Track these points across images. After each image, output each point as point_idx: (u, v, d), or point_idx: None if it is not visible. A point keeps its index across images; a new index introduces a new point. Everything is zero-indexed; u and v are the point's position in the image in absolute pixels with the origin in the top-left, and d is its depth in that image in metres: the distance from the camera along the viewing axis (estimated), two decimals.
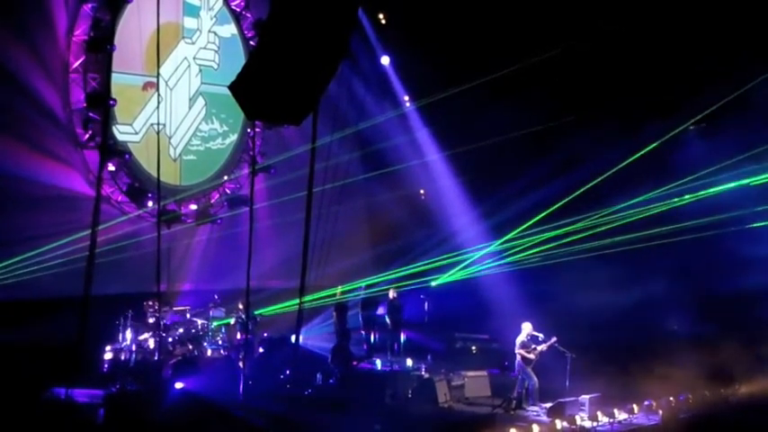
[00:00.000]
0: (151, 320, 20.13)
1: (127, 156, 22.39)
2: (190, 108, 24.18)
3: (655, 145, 23.49)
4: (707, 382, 20.88)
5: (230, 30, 25.10)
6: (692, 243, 22.51)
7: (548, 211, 23.99)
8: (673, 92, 23.58)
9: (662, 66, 23.63)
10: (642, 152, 23.45)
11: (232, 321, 22.15)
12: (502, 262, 24.88)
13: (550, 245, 23.85)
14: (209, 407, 17.53)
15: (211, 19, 24.59)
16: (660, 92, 23.73)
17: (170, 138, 23.54)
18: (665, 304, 23.32)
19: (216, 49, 24.67)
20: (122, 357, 19.77)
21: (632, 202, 23.48)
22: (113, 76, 20.94)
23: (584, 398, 19.28)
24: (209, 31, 24.57)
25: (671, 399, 20.02)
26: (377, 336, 24.60)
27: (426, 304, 25.52)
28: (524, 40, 23.66)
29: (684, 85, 23.35)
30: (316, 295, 23.04)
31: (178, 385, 18.77)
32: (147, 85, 22.81)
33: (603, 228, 23.57)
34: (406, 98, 26.84)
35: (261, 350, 22.53)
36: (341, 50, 10.44)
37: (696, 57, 23.14)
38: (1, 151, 19.99)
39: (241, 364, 20.48)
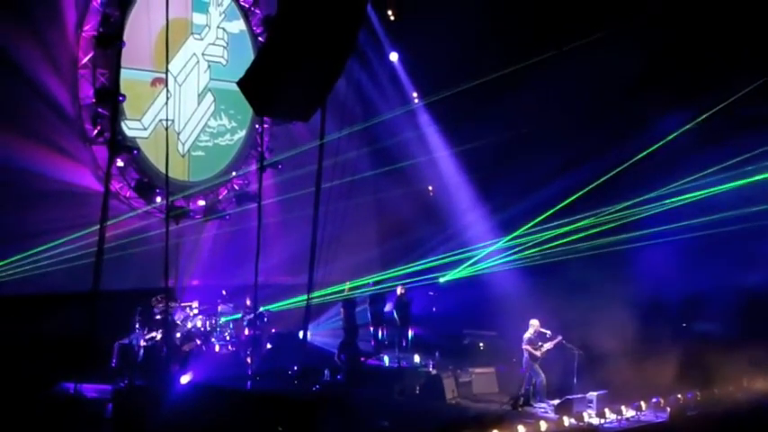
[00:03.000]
0: (159, 316, 20.15)
1: (135, 151, 22.41)
2: (198, 104, 24.21)
3: (668, 139, 23.42)
4: (715, 380, 20.86)
5: (239, 26, 25.12)
6: (703, 239, 22.45)
7: (556, 208, 23.93)
8: (681, 86, 23.52)
9: (670, 59, 23.60)
10: (654, 147, 23.37)
11: (240, 317, 22.19)
12: (510, 259, 24.84)
13: (559, 242, 23.81)
14: (218, 391, 17.58)
15: (220, 15, 24.60)
16: (670, 86, 23.68)
17: (178, 134, 23.59)
18: (673, 301, 23.24)
19: (225, 45, 24.68)
20: (130, 352, 19.82)
21: (642, 198, 23.41)
22: (122, 71, 20.93)
23: (592, 395, 19.27)
24: (218, 27, 24.58)
25: (679, 396, 20.01)
26: (385, 332, 24.61)
27: (434, 301, 25.55)
28: (534, 37, 23.62)
29: (693, 80, 23.31)
30: (323, 291, 23.06)
31: (184, 379, 18.83)
32: (155, 81, 22.83)
33: (612, 225, 23.51)
34: (415, 95, 26.82)
35: (269, 346, 22.56)
36: (349, 47, 10.45)
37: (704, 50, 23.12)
38: (10, 146, 20.01)
39: (249, 359, 20.53)
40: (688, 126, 23.14)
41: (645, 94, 23.71)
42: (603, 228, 23.48)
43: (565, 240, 23.66)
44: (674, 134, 23.32)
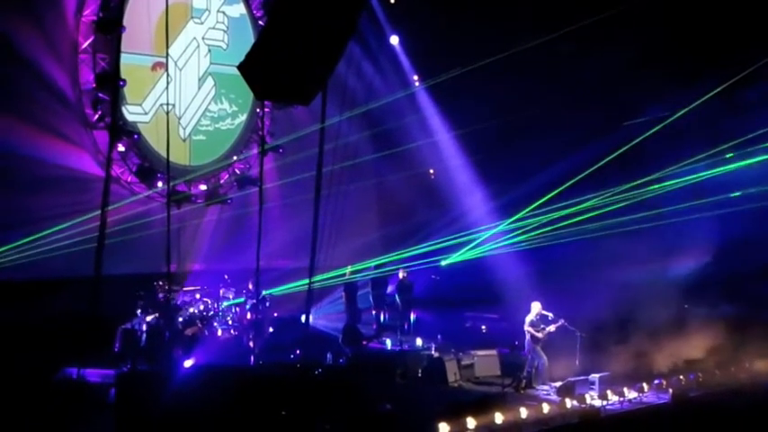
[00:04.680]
0: (162, 301, 20.18)
1: (136, 136, 22.43)
2: (199, 88, 24.19)
3: (667, 122, 23.40)
4: (717, 361, 20.89)
5: (239, 9, 25.07)
6: (703, 221, 22.45)
7: (558, 190, 23.93)
8: (682, 67, 23.50)
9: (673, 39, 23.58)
10: (653, 130, 23.36)
11: (243, 301, 22.21)
12: (512, 241, 24.85)
13: (560, 224, 23.81)
14: (221, 374, 17.61)
15: None
16: (673, 65, 23.65)
17: (179, 118, 23.58)
18: (675, 282, 23.24)
19: (225, 28, 24.64)
20: (133, 337, 19.84)
21: (643, 180, 23.41)
22: (122, 56, 20.94)
23: (594, 377, 19.29)
24: (218, 11, 24.53)
25: (681, 377, 20.04)
26: (387, 315, 24.64)
27: (436, 284, 25.55)
28: (532, 19, 23.58)
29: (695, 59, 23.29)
30: (325, 275, 23.07)
31: (187, 363, 18.86)
32: (156, 66, 22.82)
33: (613, 206, 23.52)
34: (416, 77, 26.79)
35: (271, 330, 22.59)
36: (349, 30, 10.41)
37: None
38: (11, 132, 20.04)
39: (251, 344, 20.55)
40: (689, 107, 23.13)
41: (646, 76, 23.68)
42: (604, 209, 23.48)
43: (566, 222, 23.67)
44: (676, 115, 23.32)
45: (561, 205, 23.91)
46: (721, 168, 23.15)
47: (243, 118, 25.28)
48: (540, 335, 20.21)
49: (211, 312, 21.65)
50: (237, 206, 24.28)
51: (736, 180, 22.95)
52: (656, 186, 23.40)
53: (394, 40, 26.57)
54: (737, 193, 22.90)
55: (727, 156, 23.11)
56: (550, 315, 20.35)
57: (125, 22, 21.05)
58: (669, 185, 23.32)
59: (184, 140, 23.88)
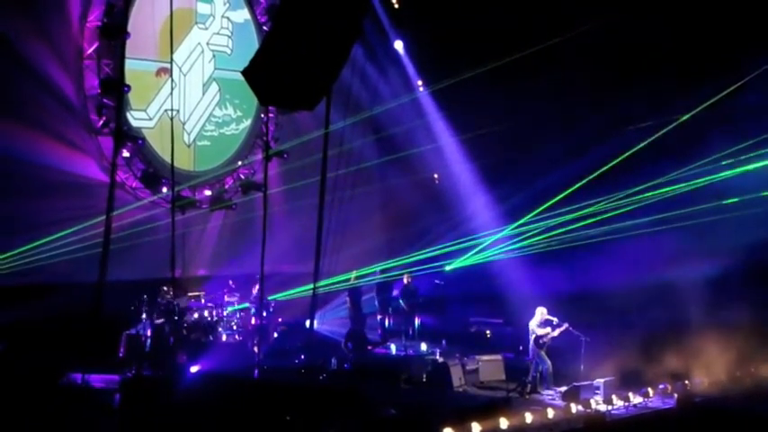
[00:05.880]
0: (166, 306, 20.18)
1: (141, 142, 22.44)
2: (203, 94, 24.21)
3: (674, 125, 23.36)
4: (723, 366, 20.84)
5: (243, 15, 25.10)
6: (708, 225, 22.40)
7: (562, 195, 23.89)
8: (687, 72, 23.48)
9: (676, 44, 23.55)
10: (661, 132, 23.32)
11: (247, 306, 22.21)
12: (516, 246, 24.82)
13: (565, 228, 23.78)
14: (226, 380, 17.61)
15: (224, 4, 24.57)
16: (680, 67, 23.63)
17: (184, 124, 23.60)
18: (680, 287, 23.20)
19: (229, 34, 24.67)
20: (138, 343, 19.85)
21: (650, 184, 23.36)
22: (127, 62, 20.97)
23: (599, 381, 19.27)
24: (223, 17, 24.56)
25: (686, 382, 20.00)
26: (391, 320, 24.62)
27: (441, 289, 25.54)
28: (537, 23, 23.58)
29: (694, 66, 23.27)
30: (330, 280, 23.08)
31: (193, 369, 18.87)
32: (160, 71, 22.85)
33: (619, 211, 23.48)
34: (420, 83, 26.79)
35: (275, 335, 22.59)
36: (353, 35, 10.44)
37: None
38: (15, 138, 20.03)
39: (256, 349, 20.55)
40: (693, 112, 23.09)
41: (651, 78, 23.65)
42: (610, 214, 23.44)
43: (571, 227, 23.63)
44: (680, 119, 23.29)
45: (566, 210, 23.87)
46: (729, 171, 23.10)
47: (247, 123, 25.30)
48: (544, 339, 20.21)
49: (216, 318, 21.65)
50: (242, 211, 24.27)
51: (750, 183, 22.85)
52: (664, 190, 23.34)
53: (398, 45, 26.58)
54: (734, 199, 22.82)
55: (722, 163, 23.05)
56: (555, 320, 20.34)
57: (130, 28, 21.08)
58: (670, 191, 23.27)
59: (189, 146, 23.91)
